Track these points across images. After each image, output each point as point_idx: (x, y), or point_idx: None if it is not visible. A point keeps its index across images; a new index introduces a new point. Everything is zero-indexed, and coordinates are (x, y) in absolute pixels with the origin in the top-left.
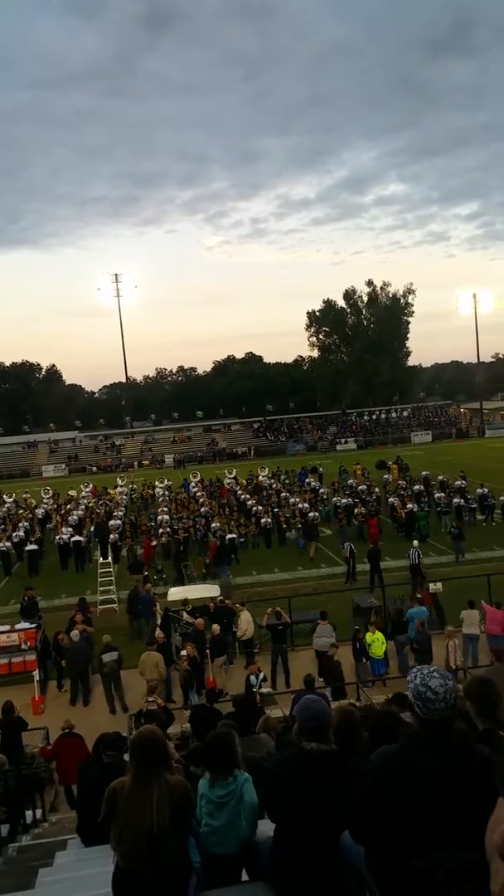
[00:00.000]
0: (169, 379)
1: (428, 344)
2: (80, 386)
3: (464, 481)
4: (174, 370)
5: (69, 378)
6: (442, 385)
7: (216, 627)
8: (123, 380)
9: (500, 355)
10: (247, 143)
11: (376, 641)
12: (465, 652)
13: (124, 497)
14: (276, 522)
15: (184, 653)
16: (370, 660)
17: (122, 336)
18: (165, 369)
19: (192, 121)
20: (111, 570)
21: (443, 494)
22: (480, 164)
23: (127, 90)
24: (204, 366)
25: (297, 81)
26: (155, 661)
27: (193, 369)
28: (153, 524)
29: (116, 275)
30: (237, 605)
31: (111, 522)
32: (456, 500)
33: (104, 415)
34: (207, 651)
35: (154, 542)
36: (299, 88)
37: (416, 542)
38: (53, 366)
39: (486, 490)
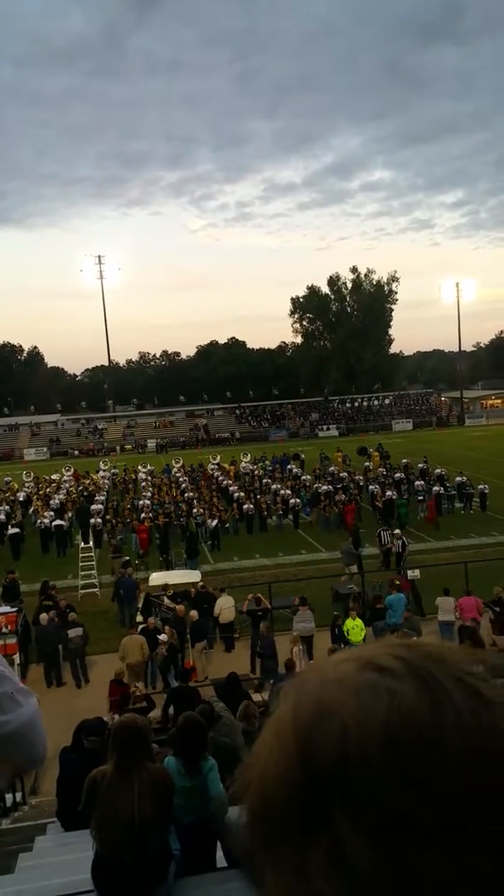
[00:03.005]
0: (152, 363)
1: (411, 332)
2: (63, 369)
3: (441, 469)
4: (157, 354)
5: (51, 361)
6: (424, 373)
7: (195, 613)
8: (106, 363)
9: (482, 344)
10: (234, 126)
11: (355, 628)
12: (444, 639)
13: (106, 482)
14: (257, 508)
15: (163, 637)
16: (349, 646)
17: (105, 319)
18: (149, 353)
19: (179, 101)
20: (92, 554)
21: (422, 482)
22: (466, 152)
23: (113, 69)
24: (187, 350)
25: (284, 64)
26: (139, 644)
27: (177, 354)
28: (135, 509)
29: (99, 256)
30: (217, 590)
31: (93, 507)
32: (435, 488)
33: (86, 398)
34: (188, 636)
35: (146, 527)
36: (287, 71)
37: (398, 531)
38: (35, 348)
39: (464, 478)
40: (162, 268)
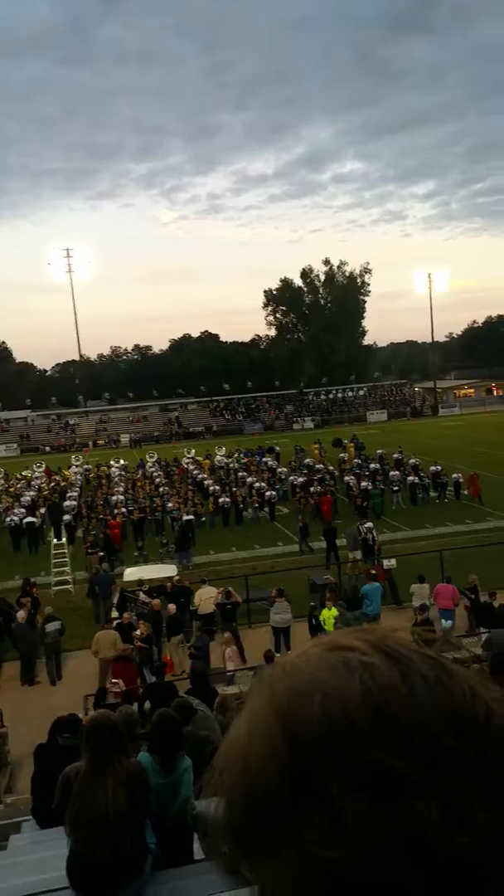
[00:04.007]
0: (124, 357)
1: (384, 323)
2: (32, 364)
3: (416, 459)
4: (129, 348)
5: (20, 356)
6: (397, 364)
7: (172, 607)
8: (77, 358)
9: (455, 335)
10: (204, 117)
11: (331, 618)
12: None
13: (79, 477)
14: (233, 501)
15: (137, 632)
16: (325, 635)
17: (76, 313)
18: (120, 347)
19: (149, 92)
20: (65, 551)
21: (397, 472)
22: (437, 143)
23: (82, 59)
24: (160, 344)
25: (256, 55)
26: (113, 640)
27: (149, 347)
28: (108, 504)
29: (68, 249)
30: (198, 582)
31: (65, 503)
32: (410, 478)
33: (57, 393)
34: (164, 630)
35: (119, 522)
36: (258, 62)
37: (370, 524)
38: (3, 343)
39: (439, 468)
40: (133, 261)
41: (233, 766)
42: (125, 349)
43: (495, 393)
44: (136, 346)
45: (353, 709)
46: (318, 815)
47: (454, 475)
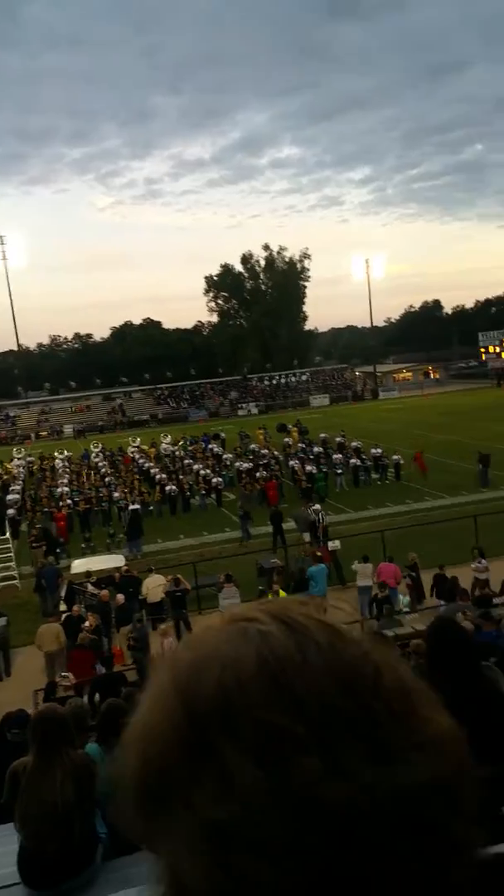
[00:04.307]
0: (64, 346)
1: (324, 309)
2: None
3: (357, 442)
4: (69, 337)
5: None
6: (338, 349)
7: (120, 597)
8: (15, 347)
9: (393, 320)
10: (139, 101)
11: None
12: (361, 603)
13: (21, 470)
14: (179, 489)
15: (86, 624)
16: None
17: (11, 301)
18: (60, 336)
19: (82, 75)
20: (10, 546)
21: (340, 456)
22: (373, 128)
23: (8, 40)
24: (101, 332)
25: (189, 38)
26: (55, 633)
27: (90, 336)
28: (53, 496)
29: (1, 237)
30: (145, 572)
31: (8, 497)
32: (353, 460)
33: None
34: (113, 620)
35: (64, 514)
36: (191, 45)
37: (317, 506)
38: None
39: (380, 450)
40: (70, 247)
41: (135, 740)
42: (65, 338)
43: (432, 376)
44: (77, 335)
45: (248, 678)
46: (211, 778)
47: (394, 457)
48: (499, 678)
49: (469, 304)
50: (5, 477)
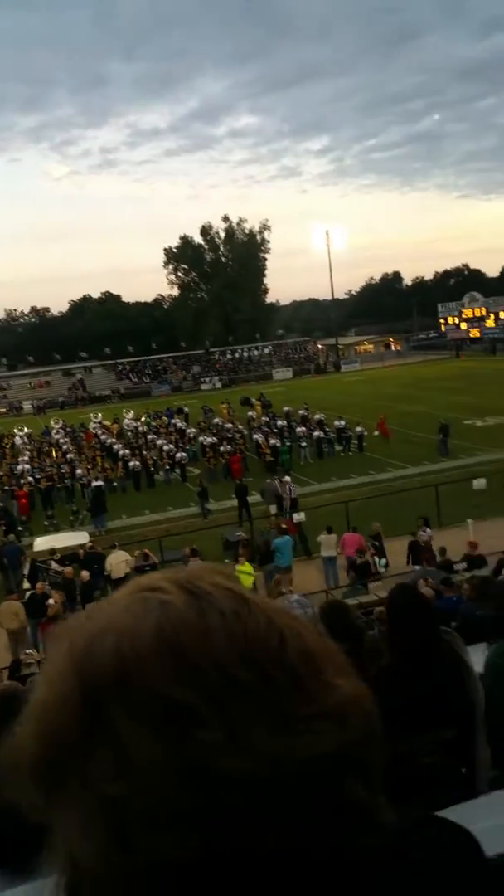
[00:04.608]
0: (21, 320)
1: (285, 281)
2: None
3: (321, 414)
4: (26, 311)
5: None
6: (300, 322)
7: (85, 574)
8: None
9: (353, 292)
10: (94, 67)
11: (243, 573)
12: (326, 574)
13: None
14: (143, 465)
15: (51, 601)
16: None
17: None
18: (16, 310)
19: (33, 40)
20: None
21: (304, 428)
22: (330, 97)
23: None
24: (59, 306)
25: (143, 2)
26: (15, 611)
27: (47, 310)
28: (13, 474)
29: None
30: (107, 549)
31: None
32: (316, 433)
33: None
34: (78, 598)
35: (25, 492)
36: (146, 8)
37: (287, 478)
38: None
39: (343, 423)
40: (24, 218)
41: (32, 715)
42: (21, 312)
43: (393, 348)
44: (34, 309)
45: (144, 647)
46: (107, 752)
47: (358, 429)
48: (457, 642)
49: (428, 276)
50: None
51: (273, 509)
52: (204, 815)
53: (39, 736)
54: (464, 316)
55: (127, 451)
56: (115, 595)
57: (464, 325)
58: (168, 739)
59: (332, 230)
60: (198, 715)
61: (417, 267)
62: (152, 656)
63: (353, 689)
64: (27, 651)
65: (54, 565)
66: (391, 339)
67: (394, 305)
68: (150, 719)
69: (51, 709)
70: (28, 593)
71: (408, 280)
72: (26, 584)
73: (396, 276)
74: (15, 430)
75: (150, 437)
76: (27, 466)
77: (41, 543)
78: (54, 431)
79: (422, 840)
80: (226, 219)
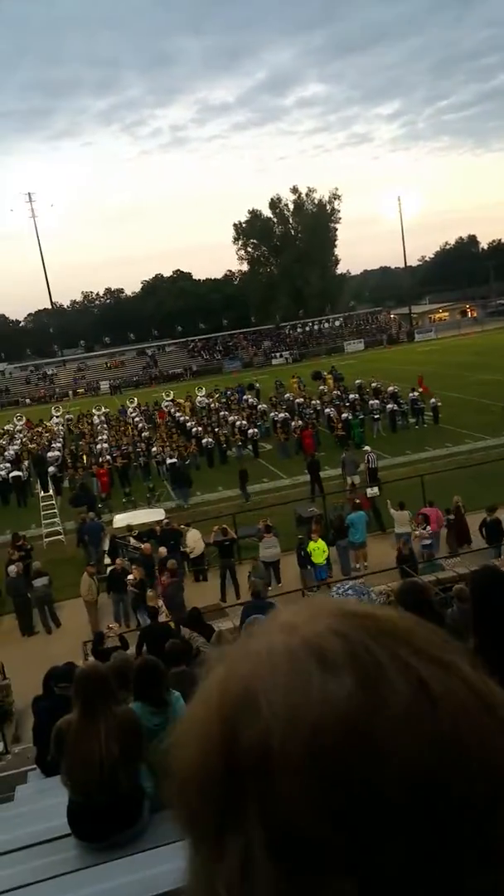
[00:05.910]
0: (97, 302)
1: (356, 250)
2: (3, 315)
3: (394, 386)
4: (101, 293)
5: None
6: (371, 292)
7: (163, 550)
8: (49, 306)
9: (427, 258)
10: (160, 45)
11: (317, 549)
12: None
13: (61, 428)
14: (216, 441)
15: (131, 577)
16: (314, 566)
17: (43, 259)
18: (92, 292)
19: (100, 22)
20: (53, 502)
21: (376, 401)
22: (400, 60)
23: None
24: (132, 286)
25: None
26: (88, 584)
27: (121, 290)
28: (93, 453)
29: (30, 194)
30: (182, 526)
31: (49, 454)
32: (390, 405)
33: (31, 344)
34: (157, 573)
35: (106, 469)
36: None
37: (368, 447)
38: None
39: (416, 394)
40: (98, 201)
41: (178, 752)
42: (97, 294)
43: (469, 315)
44: (108, 290)
45: (293, 750)
46: (238, 850)
47: (431, 400)
48: None
49: None
50: (46, 435)
51: (357, 479)
52: None
53: (179, 790)
54: None
55: (200, 429)
56: (276, 639)
57: None
58: (296, 877)
59: (404, 196)
60: (337, 869)
61: (494, 230)
62: (300, 764)
63: None
64: (110, 625)
65: (132, 541)
66: (467, 306)
67: (470, 271)
68: (282, 849)
69: (190, 768)
70: (109, 569)
71: (484, 244)
72: (107, 560)
73: (472, 240)
74: (93, 410)
75: (222, 413)
76: (105, 445)
77: (120, 520)
78: (130, 410)
79: None
80: (294, 190)
